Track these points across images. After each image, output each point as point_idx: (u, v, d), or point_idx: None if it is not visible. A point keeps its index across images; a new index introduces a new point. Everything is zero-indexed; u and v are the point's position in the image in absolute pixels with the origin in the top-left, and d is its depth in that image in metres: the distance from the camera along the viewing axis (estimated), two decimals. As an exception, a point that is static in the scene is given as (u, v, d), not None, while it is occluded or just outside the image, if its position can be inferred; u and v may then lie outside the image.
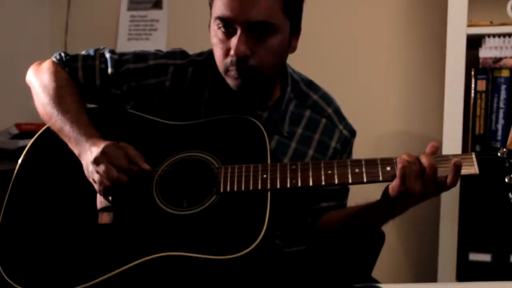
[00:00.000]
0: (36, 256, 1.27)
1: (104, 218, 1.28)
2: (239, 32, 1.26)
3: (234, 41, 1.27)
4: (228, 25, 1.28)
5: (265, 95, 1.41)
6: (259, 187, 1.24)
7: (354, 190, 1.45)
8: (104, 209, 1.29)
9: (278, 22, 1.29)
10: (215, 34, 1.32)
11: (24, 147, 1.44)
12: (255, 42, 1.28)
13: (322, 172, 1.24)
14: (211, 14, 1.35)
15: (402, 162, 1.19)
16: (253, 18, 1.26)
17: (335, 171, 1.24)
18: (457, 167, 1.18)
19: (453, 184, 1.20)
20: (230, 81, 1.32)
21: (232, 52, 1.27)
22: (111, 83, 1.43)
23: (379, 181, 1.23)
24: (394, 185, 1.21)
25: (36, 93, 1.44)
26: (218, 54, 1.32)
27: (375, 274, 1.48)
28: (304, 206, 1.42)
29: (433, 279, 2.12)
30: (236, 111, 1.38)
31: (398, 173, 1.19)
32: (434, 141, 1.26)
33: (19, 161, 1.41)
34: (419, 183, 1.19)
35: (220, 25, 1.29)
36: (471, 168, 1.20)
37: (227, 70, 1.31)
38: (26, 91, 1.49)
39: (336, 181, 1.23)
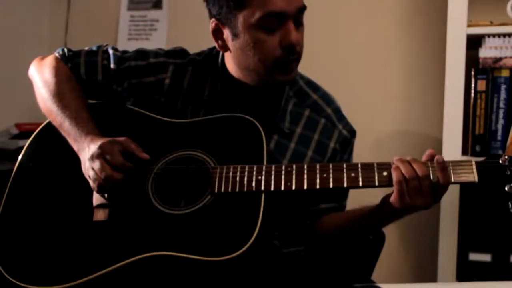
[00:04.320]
0: (33, 251, 1.27)
1: (100, 215, 1.29)
2: (289, 21, 1.28)
3: (290, 31, 1.28)
4: (277, 20, 1.28)
5: (265, 93, 1.41)
6: (254, 189, 1.23)
7: (355, 191, 1.44)
8: (99, 206, 1.30)
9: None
10: (256, 32, 1.29)
11: (24, 147, 1.44)
12: (296, 30, 1.31)
13: (317, 176, 1.23)
14: (224, 19, 1.32)
15: (397, 177, 1.18)
16: (299, 4, 1.29)
17: (331, 175, 1.23)
18: (440, 163, 1.18)
19: (446, 181, 1.19)
20: (278, 77, 1.33)
21: (291, 41, 1.28)
22: (113, 80, 1.44)
23: (375, 186, 1.22)
24: (392, 200, 1.21)
25: (38, 87, 1.45)
26: (261, 52, 1.30)
27: (375, 274, 1.47)
28: (303, 207, 1.42)
29: (433, 279, 2.12)
30: (236, 110, 1.38)
31: (395, 190, 1.19)
32: (431, 149, 1.24)
33: (20, 156, 1.42)
34: (419, 198, 1.19)
35: (267, 22, 1.27)
36: (469, 175, 1.19)
37: (278, 65, 1.31)
38: (26, 91, 1.50)
39: (331, 185, 1.23)
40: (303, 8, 1.31)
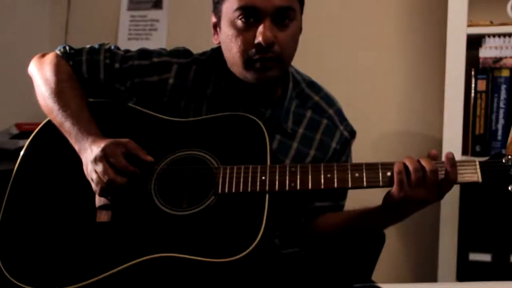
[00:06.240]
0: (35, 253, 1.26)
1: (102, 216, 1.28)
2: (266, 19, 1.26)
3: (260, 29, 1.25)
4: (252, 15, 1.26)
5: (269, 92, 1.41)
6: (258, 189, 1.22)
7: (355, 192, 1.44)
8: (102, 207, 1.29)
9: (295, 7, 1.30)
10: (233, 26, 1.29)
11: (24, 147, 1.44)
12: (278, 29, 1.28)
13: (322, 176, 1.23)
14: (217, 11, 1.34)
15: (398, 167, 1.19)
16: (279, 4, 1.26)
17: (335, 175, 1.23)
18: (450, 159, 1.18)
19: (453, 176, 1.19)
20: (251, 75, 1.30)
21: (259, 39, 1.25)
22: (115, 79, 1.43)
23: (379, 187, 1.22)
24: (392, 191, 1.21)
25: (38, 85, 1.44)
26: (236, 47, 1.29)
27: (375, 274, 1.47)
28: (298, 205, 1.41)
29: (433, 279, 2.12)
30: (239, 108, 1.38)
31: (395, 179, 1.19)
32: (434, 150, 1.24)
33: (20, 155, 1.41)
34: (421, 190, 1.19)
35: (241, 16, 1.27)
36: (473, 176, 1.19)
37: (250, 62, 1.29)
38: (26, 91, 1.49)
39: (336, 185, 1.22)
40: (285, 8, 1.27)
